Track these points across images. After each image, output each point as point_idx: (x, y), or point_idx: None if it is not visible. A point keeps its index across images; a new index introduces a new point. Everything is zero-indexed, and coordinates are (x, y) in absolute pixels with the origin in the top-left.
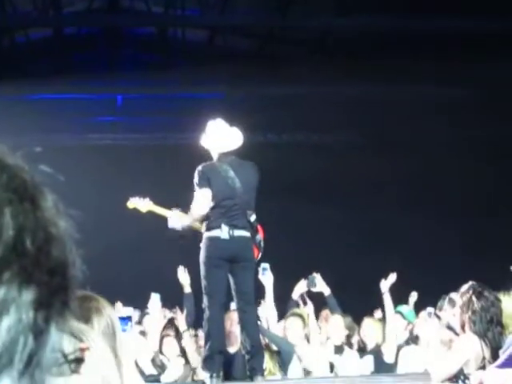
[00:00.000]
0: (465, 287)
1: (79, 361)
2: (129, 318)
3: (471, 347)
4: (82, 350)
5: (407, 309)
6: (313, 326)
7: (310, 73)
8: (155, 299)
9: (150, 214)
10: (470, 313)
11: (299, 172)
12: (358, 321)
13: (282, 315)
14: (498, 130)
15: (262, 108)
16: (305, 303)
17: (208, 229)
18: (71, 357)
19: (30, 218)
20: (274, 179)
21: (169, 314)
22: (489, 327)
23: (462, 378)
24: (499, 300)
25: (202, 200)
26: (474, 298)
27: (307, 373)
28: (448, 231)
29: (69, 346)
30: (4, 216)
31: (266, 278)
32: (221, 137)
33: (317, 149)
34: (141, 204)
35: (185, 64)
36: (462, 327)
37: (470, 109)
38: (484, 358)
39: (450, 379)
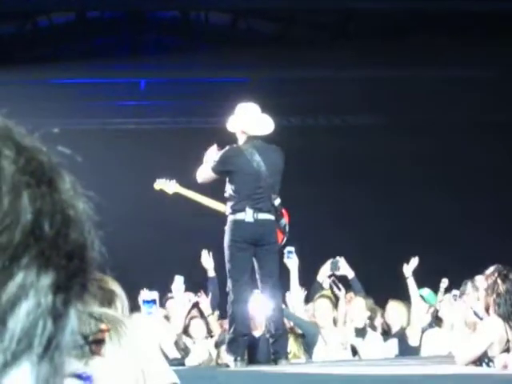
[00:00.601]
0: (490, 270)
1: (100, 342)
2: (153, 301)
3: (495, 330)
4: (103, 331)
5: (427, 291)
6: (342, 310)
7: (333, 56)
8: (179, 281)
9: (176, 195)
10: (494, 295)
11: (323, 155)
12: (382, 304)
13: (306, 298)
14: None
15: (286, 92)
16: (339, 289)
17: (232, 212)
18: (91, 339)
19: (47, 201)
20: (297, 163)
21: (193, 298)
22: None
23: (486, 360)
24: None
25: (205, 176)
26: (499, 281)
27: (331, 355)
28: (473, 213)
29: (89, 327)
30: (22, 200)
31: (292, 261)
32: (255, 120)
33: (340, 132)
34: (167, 186)
35: (208, 48)
36: (487, 310)
37: (494, 91)
38: (508, 341)
39: (474, 362)
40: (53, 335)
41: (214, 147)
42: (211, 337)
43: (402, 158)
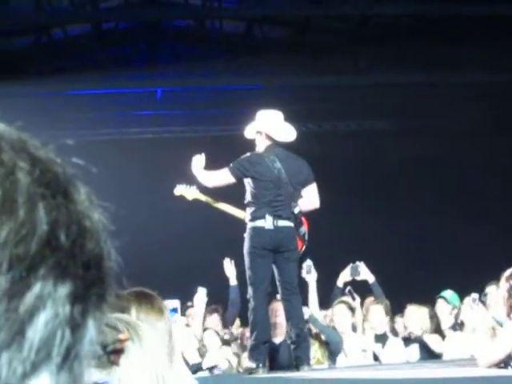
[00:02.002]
0: (509, 271)
1: (118, 352)
2: (175, 310)
3: None
4: (122, 341)
5: (450, 293)
6: (359, 318)
7: (348, 62)
8: (202, 293)
9: (196, 201)
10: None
11: (340, 161)
12: (401, 308)
13: (326, 304)
14: None
15: (302, 98)
16: (353, 298)
17: (252, 219)
18: (110, 348)
19: (63, 212)
20: (315, 169)
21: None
22: None
23: (511, 364)
24: None
25: (221, 179)
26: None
27: (351, 361)
28: (491, 216)
29: (108, 337)
30: (38, 211)
31: (311, 276)
32: (279, 126)
33: (358, 137)
34: (187, 191)
35: (223, 56)
36: (508, 314)
37: (508, 95)
38: None
39: (498, 365)
40: (71, 345)
41: (201, 156)
42: (228, 345)
43: (420, 162)
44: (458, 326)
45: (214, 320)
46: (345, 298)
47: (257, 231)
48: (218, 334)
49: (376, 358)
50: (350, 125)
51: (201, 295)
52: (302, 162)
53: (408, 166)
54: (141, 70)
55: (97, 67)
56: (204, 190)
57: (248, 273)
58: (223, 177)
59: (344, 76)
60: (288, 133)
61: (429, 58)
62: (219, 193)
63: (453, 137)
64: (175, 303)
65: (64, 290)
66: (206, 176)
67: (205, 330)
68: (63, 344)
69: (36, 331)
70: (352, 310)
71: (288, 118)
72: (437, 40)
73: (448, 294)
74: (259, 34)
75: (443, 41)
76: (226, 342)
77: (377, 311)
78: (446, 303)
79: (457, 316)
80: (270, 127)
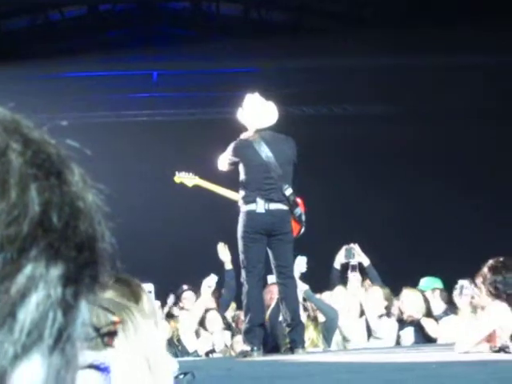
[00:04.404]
0: (490, 261)
1: (112, 334)
2: (149, 292)
3: (498, 316)
4: (115, 323)
5: (425, 279)
6: (355, 298)
7: (345, 45)
8: (212, 280)
9: (196, 188)
10: (492, 284)
11: (336, 144)
12: (396, 292)
13: (325, 286)
14: None
15: (298, 81)
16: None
17: (244, 203)
18: (104, 330)
19: (56, 193)
20: (310, 152)
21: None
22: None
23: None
24: None
25: (223, 165)
26: (488, 274)
27: (346, 342)
28: (481, 202)
29: (101, 319)
30: (30, 192)
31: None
32: (257, 113)
33: (354, 121)
34: (187, 178)
35: (220, 38)
36: (487, 296)
37: (508, 78)
38: None
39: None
40: (63, 327)
41: None
42: (229, 329)
43: (416, 146)
44: (451, 311)
45: (210, 302)
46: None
47: (249, 215)
48: (223, 316)
49: (370, 339)
50: (346, 108)
51: (210, 281)
52: (289, 144)
53: (403, 150)
54: (137, 52)
55: (93, 49)
56: (203, 176)
57: (241, 257)
58: (223, 162)
59: (340, 59)
60: (266, 118)
61: (424, 42)
62: (219, 179)
63: (448, 121)
64: (149, 287)
65: (56, 271)
66: (219, 159)
67: (207, 311)
68: (55, 326)
69: (27, 313)
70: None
71: (284, 101)
72: (433, 22)
73: (422, 282)
74: (256, 16)
75: (440, 23)
76: (227, 326)
77: (376, 295)
78: (423, 291)
79: (450, 302)
80: (247, 116)
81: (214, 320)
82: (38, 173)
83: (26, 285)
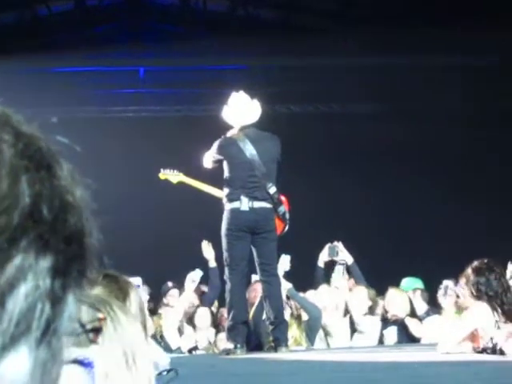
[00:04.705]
0: (474, 263)
1: (97, 331)
2: (137, 286)
3: (479, 317)
4: (100, 320)
5: (406, 280)
6: (341, 297)
7: (333, 43)
8: (196, 274)
9: (181, 185)
10: (475, 285)
11: (322, 142)
12: (382, 291)
13: (309, 284)
14: None
15: (285, 79)
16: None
17: (228, 201)
18: (89, 326)
19: (46, 185)
20: (296, 150)
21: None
22: (496, 295)
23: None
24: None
25: (208, 162)
26: (471, 275)
27: (329, 337)
28: (468, 204)
29: (86, 316)
30: (20, 183)
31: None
32: (239, 111)
33: (340, 119)
34: (172, 176)
35: (207, 35)
36: (470, 297)
37: (495, 79)
38: (497, 322)
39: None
40: (51, 319)
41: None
42: (216, 326)
43: (402, 145)
44: (435, 311)
45: (193, 299)
46: (326, 280)
47: (232, 213)
48: (213, 313)
49: (354, 338)
50: (332, 107)
51: (194, 276)
52: (273, 142)
53: (389, 149)
54: (124, 48)
55: (80, 45)
56: (187, 173)
57: (225, 254)
58: (208, 160)
59: (328, 58)
60: (247, 115)
61: (414, 41)
62: (204, 176)
63: (434, 120)
64: (137, 280)
65: (45, 263)
66: (204, 157)
67: (198, 306)
68: (43, 317)
69: (16, 303)
70: (333, 290)
71: (270, 99)
72: (422, 22)
73: (403, 283)
74: (243, 14)
75: (429, 23)
76: (214, 323)
77: (360, 295)
78: (405, 291)
79: (434, 302)
80: (230, 114)
81: (204, 316)
82: (29, 164)
83: (15, 275)
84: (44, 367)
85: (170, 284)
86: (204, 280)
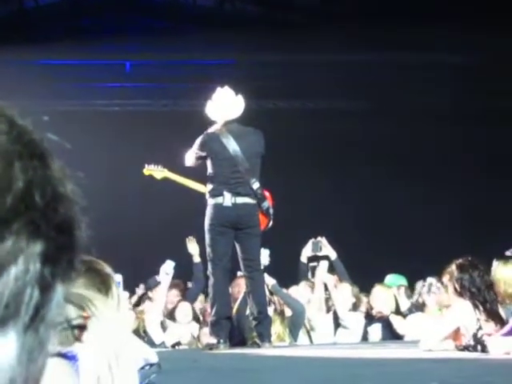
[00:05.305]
0: (459, 260)
1: (82, 328)
2: (118, 283)
3: (462, 315)
4: (85, 318)
5: (389, 276)
6: (322, 293)
7: (319, 39)
8: (169, 266)
9: (165, 180)
10: (458, 282)
11: (307, 138)
12: (365, 288)
13: (293, 281)
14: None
15: (272, 74)
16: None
17: (211, 196)
18: (74, 323)
19: (38, 173)
20: (281, 146)
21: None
22: (479, 292)
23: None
24: (483, 271)
25: (191, 160)
26: (455, 272)
27: (312, 331)
28: (450, 201)
29: (71, 313)
30: (14, 168)
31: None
32: (222, 106)
33: (327, 115)
34: (156, 171)
35: (194, 30)
36: (453, 295)
37: (480, 77)
38: (478, 320)
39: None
40: (39, 305)
41: None
42: (197, 321)
43: (387, 142)
44: (419, 308)
45: (174, 295)
46: (309, 277)
47: (215, 208)
48: (193, 308)
49: (337, 335)
50: (318, 103)
51: (167, 268)
52: (256, 137)
53: (377, 146)
54: (110, 41)
55: (67, 38)
56: (172, 169)
57: (208, 250)
58: (191, 158)
59: (313, 54)
60: (230, 111)
61: (395, 39)
62: (187, 170)
63: (412, 118)
64: (118, 277)
65: (36, 248)
66: (186, 156)
67: (179, 301)
68: (32, 302)
69: (6, 285)
70: (315, 286)
71: (257, 95)
72: (410, 20)
73: (387, 279)
74: (231, 9)
75: (411, 20)
76: (197, 319)
77: (344, 291)
78: (388, 287)
79: (418, 299)
80: (213, 110)
81: (185, 311)
82: (22, 151)
83: (6, 257)
84: (31, 354)
85: (157, 278)
86: (188, 275)
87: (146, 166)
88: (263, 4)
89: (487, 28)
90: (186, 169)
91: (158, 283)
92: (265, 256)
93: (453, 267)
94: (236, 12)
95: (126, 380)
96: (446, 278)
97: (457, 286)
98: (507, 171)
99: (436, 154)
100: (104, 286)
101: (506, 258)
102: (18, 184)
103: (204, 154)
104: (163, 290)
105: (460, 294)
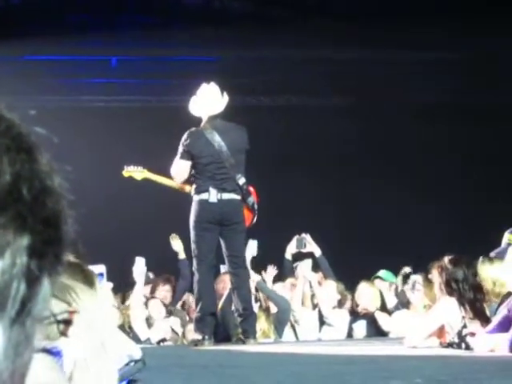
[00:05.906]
0: (450, 256)
1: (67, 323)
2: (101, 275)
3: (446, 312)
4: (71, 312)
5: (383, 272)
6: (307, 289)
7: (306, 36)
8: (140, 263)
9: (146, 181)
10: (451, 276)
11: (292, 135)
12: (349, 285)
13: (278, 277)
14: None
15: (257, 71)
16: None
17: (197, 193)
18: (60, 318)
19: (26, 167)
20: (267, 142)
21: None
22: (469, 289)
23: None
24: (475, 269)
25: (180, 171)
26: (448, 266)
27: (297, 325)
28: (438, 198)
29: (57, 307)
30: (1, 162)
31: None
32: (206, 101)
33: (311, 112)
34: (136, 172)
35: (181, 26)
36: (439, 292)
37: (465, 74)
38: (463, 317)
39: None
40: (26, 299)
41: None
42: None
43: (373, 140)
44: (401, 305)
45: (166, 290)
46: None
47: (201, 205)
48: (164, 304)
49: (322, 331)
50: (305, 100)
51: (139, 265)
52: (240, 132)
53: (361, 143)
54: (96, 37)
55: (54, 33)
56: (152, 169)
57: (193, 246)
58: (182, 167)
59: (301, 50)
60: (214, 105)
61: (385, 36)
62: (166, 167)
63: (398, 116)
64: (101, 268)
65: (23, 241)
66: (173, 169)
67: (151, 298)
68: (18, 295)
69: None
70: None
71: (243, 91)
72: (388, 16)
73: (382, 273)
74: (218, 5)
75: (394, 17)
76: (170, 313)
77: (329, 288)
78: (383, 281)
79: (399, 296)
80: (193, 107)
81: (156, 307)
82: (10, 144)
83: None
84: (17, 348)
85: (151, 275)
86: (174, 272)
87: (126, 167)
88: (250, 0)
89: (472, 24)
90: (170, 165)
91: (152, 280)
92: (253, 247)
93: (445, 261)
94: (224, 8)
95: (106, 374)
96: (435, 272)
97: (442, 284)
98: (495, 171)
99: (423, 153)
100: (87, 281)
101: (490, 259)
102: (5, 177)
103: (189, 151)
104: (139, 289)
105: (449, 290)
